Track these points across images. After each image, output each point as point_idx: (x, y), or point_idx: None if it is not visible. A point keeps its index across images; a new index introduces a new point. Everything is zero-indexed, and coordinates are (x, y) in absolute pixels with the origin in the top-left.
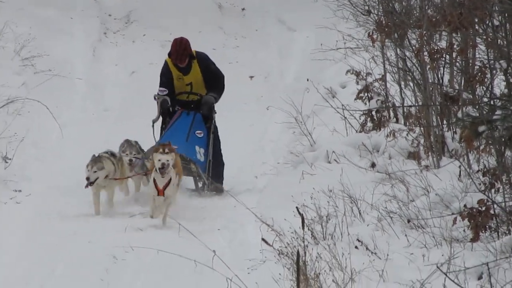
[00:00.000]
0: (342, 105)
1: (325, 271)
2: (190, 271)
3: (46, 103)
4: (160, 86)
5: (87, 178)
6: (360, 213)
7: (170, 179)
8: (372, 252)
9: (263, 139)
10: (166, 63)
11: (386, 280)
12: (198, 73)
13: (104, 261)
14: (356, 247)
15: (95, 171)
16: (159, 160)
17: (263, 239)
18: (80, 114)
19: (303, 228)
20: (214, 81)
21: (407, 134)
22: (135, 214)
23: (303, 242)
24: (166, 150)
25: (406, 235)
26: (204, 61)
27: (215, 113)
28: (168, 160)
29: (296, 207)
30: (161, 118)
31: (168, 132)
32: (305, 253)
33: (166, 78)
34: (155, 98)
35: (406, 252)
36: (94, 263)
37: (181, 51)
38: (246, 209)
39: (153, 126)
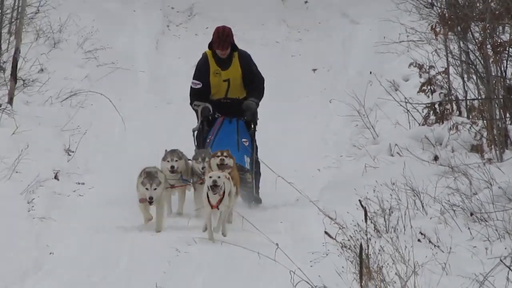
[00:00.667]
0: (405, 98)
1: (388, 264)
2: (253, 264)
3: (109, 95)
4: (194, 78)
5: (151, 198)
6: (423, 206)
7: (224, 192)
8: (435, 245)
9: (325, 132)
10: (204, 56)
11: (449, 273)
12: (237, 70)
13: (167, 254)
14: (419, 240)
15: (155, 189)
16: (210, 177)
17: (326, 232)
18: (142, 107)
19: (366, 221)
20: (254, 83)
21: (470, 127)
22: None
23: (366, 235)
24: (225, 154)
25: (469, 228)
26: (245, 58)
27: (258, 119)
28: (219, 177)
29: (359, 200)
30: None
31: (216, 141)
32: (368, 246)
33: (202, 72)
34: (193, 108)
35: (469, 245)
36: (157, 256)
37: (224, 37)
38: (309, 202)
39: (194, 135)
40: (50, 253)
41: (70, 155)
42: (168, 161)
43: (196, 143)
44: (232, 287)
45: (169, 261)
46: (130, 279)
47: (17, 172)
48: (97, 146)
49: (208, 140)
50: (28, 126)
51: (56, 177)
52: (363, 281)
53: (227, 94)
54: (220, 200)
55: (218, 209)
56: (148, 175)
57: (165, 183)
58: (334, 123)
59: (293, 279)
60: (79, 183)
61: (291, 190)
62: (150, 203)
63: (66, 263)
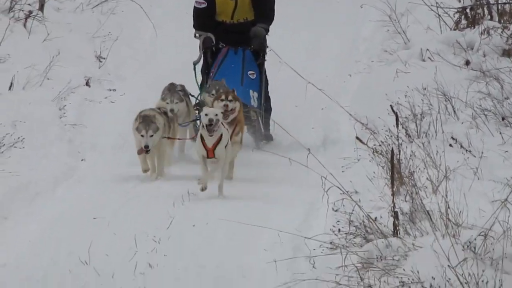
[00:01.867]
0: (436, 2)
1: (419, 169)
2: (285, 168)
3: (139, 2)
4: None
5: (146, 147)
6: (454, 111)
7: (221, 135)
8: (466, 150)
9: (356, 37)
10: None
11: (481, 178)
12: None
13: None
14: (450, 145)
15: (152, 135)
16: (206, 114)
17: (357, 138)
18: (173, 12)
19: (397, 126)
20: (263, 5)
21: (501, 32)
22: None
23: (397, 140)
24: (230, 98)
25: (500, 133)
26: None
27: (267, 47)
28: (217, 115)
29: (390, 106)
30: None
31: (218, 75)
32: (399, 151)
33: None
34: (195, 36)
35: (500, 149)
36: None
37: None
38: (340, 108)
39: (194, 69)
40: (82, 160)
41: (101, 61)
42: (167, 103)
43: (196, 79)
44: (263, 192)
45: None
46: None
47: (48, 79)
48: (128, 52)
49: (210, 74)
50: (59, 33)
51: (87, 84)
52: (394, 187)
53: (234, 15)
54: (217, 144)
55: (214, 155)
56: (144, 120)
57: (164, 128)
58: (365, 29)
59: (325, 184)
60: (110, 90)
61: (322, 97)
62: (147, 151)
63: (97, 170)
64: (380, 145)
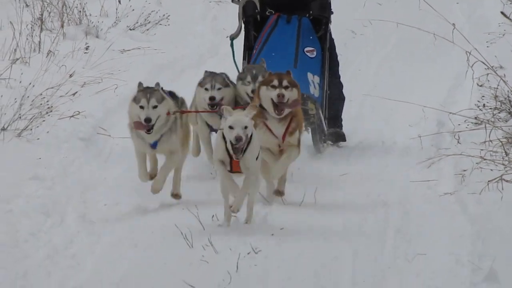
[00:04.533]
0: None
1: None
2: (429, 44)
3: None
4: None
5: (147, 120)
6: None
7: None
8: None
9: None
10: None
11: None
12: None
13: None
14: None
15: (155, 106)
16: (231, 127)
17: (502, 13)
18: None
19: None
20: None
21: None
22: None
23: None
24: (285, 84)
25: None
26: None
27: (332, 13)
28: (246, 127)
29: None
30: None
31: (264, 52)
32: None
33: None
34: (233, 1)
35: None
36: None
37: None
38: None
39: (232, 44)
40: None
41: None
42: (206, 89)
43: (235, 59)
44: (408, 75)
45: None
46: None
47: None
48: None
49: (254, 51)
50: None
51: None
52: None
53: None
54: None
55: (240, 169)
56: (145, 89)
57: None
58: None
59: (469, 59)
60: None
61: None
62: (149, 131)
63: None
64: None
